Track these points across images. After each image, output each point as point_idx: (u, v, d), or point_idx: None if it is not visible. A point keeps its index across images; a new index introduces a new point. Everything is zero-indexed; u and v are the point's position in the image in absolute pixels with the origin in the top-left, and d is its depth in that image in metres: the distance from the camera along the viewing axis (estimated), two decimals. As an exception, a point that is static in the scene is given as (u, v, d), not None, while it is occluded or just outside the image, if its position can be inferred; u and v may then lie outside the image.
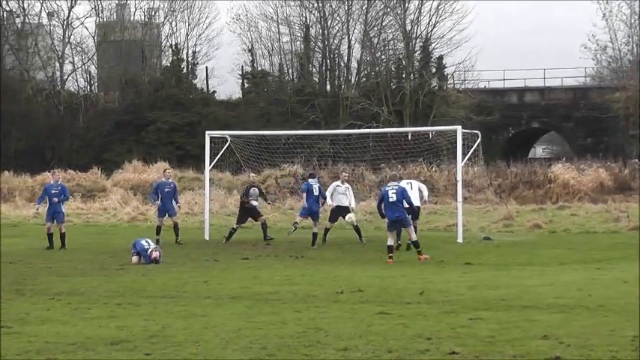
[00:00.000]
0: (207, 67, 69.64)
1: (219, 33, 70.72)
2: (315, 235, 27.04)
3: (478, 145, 29.62)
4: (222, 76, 76.25)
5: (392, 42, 66.66)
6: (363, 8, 65.72)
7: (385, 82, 64.23)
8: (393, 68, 66.48)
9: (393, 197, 21.96)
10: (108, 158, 60.72)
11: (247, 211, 28.71)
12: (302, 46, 67.06)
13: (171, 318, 13.23)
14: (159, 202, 28.36)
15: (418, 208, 25.04)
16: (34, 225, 35.86)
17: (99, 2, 69.45)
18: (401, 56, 65.61)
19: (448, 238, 28.44)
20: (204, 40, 69.82)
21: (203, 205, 33.89)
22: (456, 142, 28.56)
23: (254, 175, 31.20)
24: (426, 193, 26.41)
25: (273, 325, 12.39)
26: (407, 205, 22.31)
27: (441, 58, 65.09)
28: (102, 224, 38.51)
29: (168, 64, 69.71)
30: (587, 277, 17.82)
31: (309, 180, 28.29)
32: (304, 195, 27.67)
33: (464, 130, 29.33)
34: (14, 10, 68.03)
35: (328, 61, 66.91)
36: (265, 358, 10.43)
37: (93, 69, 70.28)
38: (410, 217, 22.68)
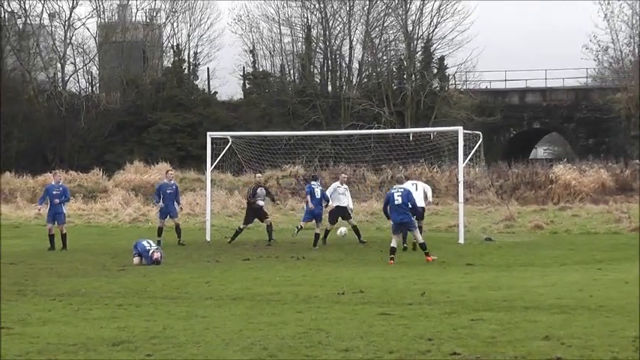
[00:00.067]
0: (208, 68, 69.77)
1: (220, 34, 70.90)
2: (317, 236, 27.10)
3: (479, 146, 29.64)
4: (224, 77, 76.76)
5: (393, 43, 66.74)
6: (365, 9, 65.74)
7: (387, 83, 64.25)
8: (394, 69, 66.48)
9: (398, 200, 21.96)
10: (109, 159, 60.73)
11: (254, 212, 28.66)
12: (303, 46, 67.07)
13: (172, 319, 13.24)
14: (161, 203, 28.34)
15: (423, 209, 25.08)
16: (36, 226, 35.90)
17: (100, 3, 69.55)
18: (402, 57, 65.61)
19: (449, 238, 28.43)
20: (205, 41, 69.92)
21: (204, 206, 33.91)
22: (457, 143, 28.56)
23: (260, 175, 31.17)
24: (430, 194, 26.51)
25: (275, 326, 12.39)
26: (411, 207, 22.30)
27: (442, 58, 65.11)
28: (103, 225, 38.52)
29: (170, 65, 69.68)
30: (589, 278, 17.82)
31: (312, 183, 28.41)
32: (309, 198, 27.72)
33: (465, 131, 29.34)
34: (16, 10, 68.07)
35: (330, 62, 66.92)
36: (266, 358, 10.43)
37: (94, 70, 70.37)
38: (414, 217, 22.69)
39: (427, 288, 16.33)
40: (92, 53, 69.39)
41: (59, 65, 68.75)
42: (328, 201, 27.73)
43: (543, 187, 45.57)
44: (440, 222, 34.81)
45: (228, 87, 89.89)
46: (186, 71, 69.20)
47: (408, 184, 24.57)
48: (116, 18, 70.59)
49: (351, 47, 66.45)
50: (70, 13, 68.19)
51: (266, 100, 65.43)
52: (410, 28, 64.63)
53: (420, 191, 25.35)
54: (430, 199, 26.73)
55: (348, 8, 65.97)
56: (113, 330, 12.29)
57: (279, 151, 40.48)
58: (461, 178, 28.83)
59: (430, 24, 64.53)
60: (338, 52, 66.75)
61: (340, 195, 27.90)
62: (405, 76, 65.16)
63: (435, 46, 65.06)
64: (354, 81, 66.53)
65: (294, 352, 10.70)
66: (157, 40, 71.02)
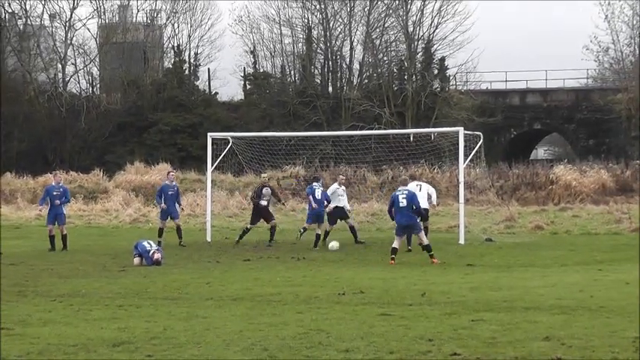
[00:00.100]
0: (209, 69, 69.78)
1: (221, 34, 70.89)
2: (318, 236, 27.14)
3: (480, 147, 29.65)
4: (224, 78, 76.74)
5: (394, 43, 66.75)
6: (366, 10, 65.74)
7: (387, 84, 64.25)
8: (395, 70, 66.49)
9: (403, 202, 21.91)
10: (110, 160, 60.74)
11: (260, 212, 28.61)
12: (304, 47, 67.07)
13: (172, 319, 13.24)
14: (164, 205, 28.30)
15: (426, 210, 25.05)
16: (36, 227, 35.90)
17: (101, 4, 69.57)
18: (403, 58, 65.61)
19: (450, 239, 28.44)
20: (206, 42, 69.93)
21: (205, 206, 33.91)
22: (457, 144, 28.58)
23: (265, 175, 31.20)
24: (434, 197, 26.41)
25: (275, 327, 12.39)
26: (415, 209, 22.27)
27: (443, 59, 65.10)
28: (104, 226, 38.53)
29: (171, 66, 69.69)
30: (589, 279, 17.82)
31: (313, 184, 28.45)
32: (311, 198, 27.75)
33: (466, 132, 29.37)
34: (16, 11, 68.09)
35: (330, 63, 66.93)
36: (267, 359, 10.43)
37: (95, 70, 70.38)
38: (419, 219, 22.65)
39: (427, 288, 16.33)
40: (93, 54, 69.45)
41: (60, 66, 68.78)
42: (329, 201, 27.79)
43: (544, 188, 45.58)
44: (440, 223, 34.80)
45: (229, 88, 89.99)
46: (186, 72, 69.21)
47: (412, 185, 24.55)
48: (117, 19, 70.58)
49: (351, 48, 66.55)
50: (71, 14, 68.30)
51: (267, 100, 65.44)
52: (410, 28, 64.65)
53: (423, 192, 25.31)
54: (435, 201, 26.63)
55: (348, 9, 65.99)
56: (113, 331, 12.29)
57: (279, 152, 40.48)
58: (461, 179, 28.84)
59: (431, 25, 64.61)
60: (339, 52, 66.77)
61: (339, 197, 28.05)
62: (405, 77, 65.17)
63: (435, 46, 65.11)
64: (355, 82, 66.53)
65: (295, 352, 10.70)
66: (157, 41, 71.02)
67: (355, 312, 13.74)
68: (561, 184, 45.11)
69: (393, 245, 22.09)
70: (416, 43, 65.11)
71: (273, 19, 67.32)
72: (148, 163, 55.38)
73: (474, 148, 29.42)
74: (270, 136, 38.36)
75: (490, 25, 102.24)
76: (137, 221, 39.35)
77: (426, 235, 25.27)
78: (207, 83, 69.53)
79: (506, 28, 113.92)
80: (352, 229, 28.33)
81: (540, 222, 33.72)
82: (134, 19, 70.98)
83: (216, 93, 69.26)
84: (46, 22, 69.32)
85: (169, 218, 28.52)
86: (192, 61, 69.67)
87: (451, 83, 65.53)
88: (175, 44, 69.89)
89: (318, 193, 27.71)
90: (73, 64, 68.82)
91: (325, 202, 27.76)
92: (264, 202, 28.44)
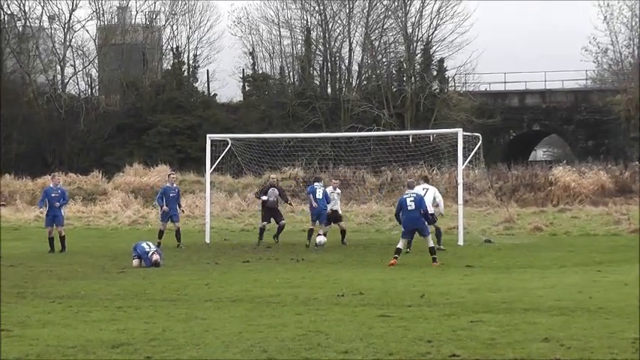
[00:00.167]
0: (208, 70, 69.80)
1: (220, 36, 70.80)
2: (310, 231, 27.38)
3: (479, 148, 29.66)
4: (223, 79, 76.38)
5: (393, 45, 66.79)
6: (365, 11, 65.77)
7: (386, 85, 64.27)
8: (394, 71, 66.52)
9: (411, 205, 21.86)
10: (109, 161, 60.73)
11: (269, 212, 28.67)
12: (303, 49, 67.10)
13: (171, 321, 13.23)
14: (165, 207, 28.25)
15: (432, 214, 25.00)
16: (35, 228, 35.89)
17: (100, 5, 69.58)
18: (402, 59, 65.63)
19: (449, 240, 28.39)
20: (205, 43, 69.96)
21: (204, 208, 33.91)
22: (456, 145, 28.59)
23: (274, 176, 31.16)
24: (441, 204, 26.20)
25: (274, 328, 12.39)
26: (423, 212, 22.23)
27: (442, 60, 65.14)
28: (103, 227, 38.53)
29: (170, 67, 69.71)
30: (588, 280, 17.82)
31: (315, 184, 28.50)
32: (311, 197, 27.84)
33: (465, 133, 29.38)
34: (15, 13, 68.11)
35: (329, 64, 66.94)
36: (266, 360, 10.44)
37: (94, 72, 70.42)
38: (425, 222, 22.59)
39: (426, 290, 16.33)
40: (92, 56, 69.46)
41: (59, 68, 68.79)
42: (329, 202, 27.89)
43: (543, 189, 45.60)
44: (439, 224, 34.64)
45: (228, 89, 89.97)
46: (185, 73, 69.23)
47: (419, 189, 24.50)
48: (116, 20, 70.63)
49: (350, 49, 66.56)
50: (70, 16, 68.30)
51: (265, 102, 65.45)
52: (409, 30, 64.68)
53: (429, 196, 25.14)
54: (442, 210, 26.36)
55: (347, 10, 66.02)
56: (112, 332, 12.28)
57: (278, 154, 40.48)
58: (460, 180, 28.84)
59: (430, 26, 64.66)
60: (337, 54, 66.79)
61: (333, 200, 28.27)
62: (404, 78, 65.18)
63: (434, 48, 65.16)
64: (354, 83, 66.57)
65: (294, 354, 10.70)
66: (156, 43, 71.03)
67: (354, 313, 13.74)
68: (560, 186, 45.12)
69: (398, 245, 22.07)
70: (415, 44, 65.15)
71: (272, 21, 67.45)
72: (147, 164, 55.36)
73: (473, 150, 29.42)
74: (269, 138, 38.39)
75: (490, 25, 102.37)
76: (136, 223, 39.34)
77: (439, 236, 25.32)
78: (206, 85, 69.62)
79: (506, 29, 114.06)
80: (343, 232, 28.53)
81: (539, 223, 33.73)
82: (133, 20, 71.03)
83: (215, 94, 69.32)
84: (45, 24, 69.46)
85: (170, 221, 28.48)
86: (191, 62, 69.73)
87: (450, 85, 65.59)
88: (174, 46, 69.96)
89: (320, 193, 27.75)
90: (72, 65, 68.95)
91: (325, 202, 27.82)
92: (270, 199, 28.39)
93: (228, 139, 32.72)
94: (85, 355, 10.83)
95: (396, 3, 65.07)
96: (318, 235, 27.17)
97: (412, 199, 21.95)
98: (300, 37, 67.37)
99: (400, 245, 22.08)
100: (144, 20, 71.02)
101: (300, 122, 61.64)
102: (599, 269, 20.06)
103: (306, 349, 10.94)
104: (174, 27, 70.24)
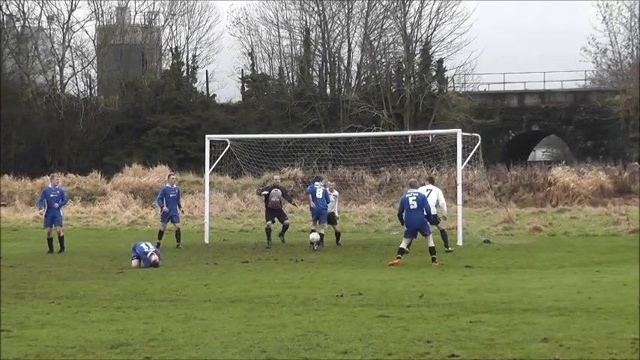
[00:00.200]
0: (207, 71, 69.81)
1: (219, 36, 70.90)
2: (313, 232, 27.36)
3: (478, 148, 29.66)
4: (223, 80, 76.66)
5: (392, 45, 66.79)
6: (364, 12, 65.78)
7: (385, 86, 64.28)
8: (393, 71, 66.52)
9: (414, 204, 21.83)
10: (108, 162, 60.75)
11: (272, 212, 28.64)
12: (302, 49, 67.10)
13: (170, 321, 13.23)
14: (166, 207, 28.24)
15: (435, 215, 24.97)
16: (34, 229, 35.88)
17: (99, 6, 69.58)
18: (401, 59, 65.64)
19: (448, 241, 28.39)
20: (204, 44, 69.97)
21: (203, 208, 33.91)
22: (456, 145, 28.60)
23: (277, 177, 31.12)
24: (445, 207, 26.10)
25: (273, 329, 12.39)
26: (425, 213, 22.23)
27: (441, 61, 65.16)
28: (102, 228, 38.51)
29: (169, 68, 69.72)
30: (587, 280, 17.82)
31: (315, 183, 28.47)
32: (310, 197, 27.82)
33: (464, 133, 29.38)
34: (14, 13, 68.10)
35: (328, 65, 66.94)
36: (265, 361, 10.44)
37: (93, 72, 70.42)
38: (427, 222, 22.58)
39: (426, 290, 16.33)
40: (91, 56, 69.50)
41: (58, 68, 68.80)
42: (329, 202, 27.84)
43: (542, 190, 45.60)
44: (442, 225, 34.77)
45: (227, 90, 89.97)
46: (184, 74, 69.24)
47: (423, 190, 24.47)
48: (115, 21, 70.62)
49: (349, 50, 66.56)
50: (69, 16, 68.32)
51: (265, 102, 65.46)
52: (408, 30, 64.69)
53: (432, 197, 25.07)
54: (445, 212, 26.24)
55: (346, 11, 66.02)
56: (112, 332, 12.28)
57: (277, 154, 40.50)
58: (459, 181, 28.84)
59: (429, 26, 64.68)
60: (337, 54, 66.80)
61: (330, 202, 28.23)
62: (403, 79, 65.20)
63: (433, 48, 65.20)
64: (353, 83, 66.57)
65: (293, 354, 10.70)
66: (155, 43, 71.04)
67: (353, 314, 13.74)
68: (559, 186, 45.13)
69: (401, 245, 22.06)
70: (414, 44, 65.16)
71: (271, 21, 67.44)
72: (146, 165, 55.37)
73: (472, 150, 29.42)
74: (269, 138, 38.40)
75: (489, 25, 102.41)
76: (135, 223, 39.33)
77: (445, 238, 25.29)
78: (205, 85, 69.64)
79: (505, 29, 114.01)
80: (338, 234, 28.53)
81: (538, 223, 33.74)
82: (132, 21, 71.05)
83: (214, 95, 69.34)
84: (44, 25, 69.47)
85: (170, 221, 28.49)
86: (190, 63, 69.73)
87: (449, 85, 65.60)
88: (173, 46, 69.99)
89: (320, 193, 27.70)
90: (71, 66, 68.95)
91: (326, 202, 27.79)
92: (272, 199, 28.37)
93: (227, 140, 32.73)
94: (84, 355, 10.83)
95: (395, 3, 65.10)
96: (312, 231, 27.04)
97: (414, 198, 21.93)
98: (299, 38, 67.47)
99: (404, 245, 22.06)
100: (143, 21, 71.09)
101: (299, 123, 61.64)
102: (599, 270, 20.06)
103: (305, 349, 10.94)
104: (174, 27, 70.36)
